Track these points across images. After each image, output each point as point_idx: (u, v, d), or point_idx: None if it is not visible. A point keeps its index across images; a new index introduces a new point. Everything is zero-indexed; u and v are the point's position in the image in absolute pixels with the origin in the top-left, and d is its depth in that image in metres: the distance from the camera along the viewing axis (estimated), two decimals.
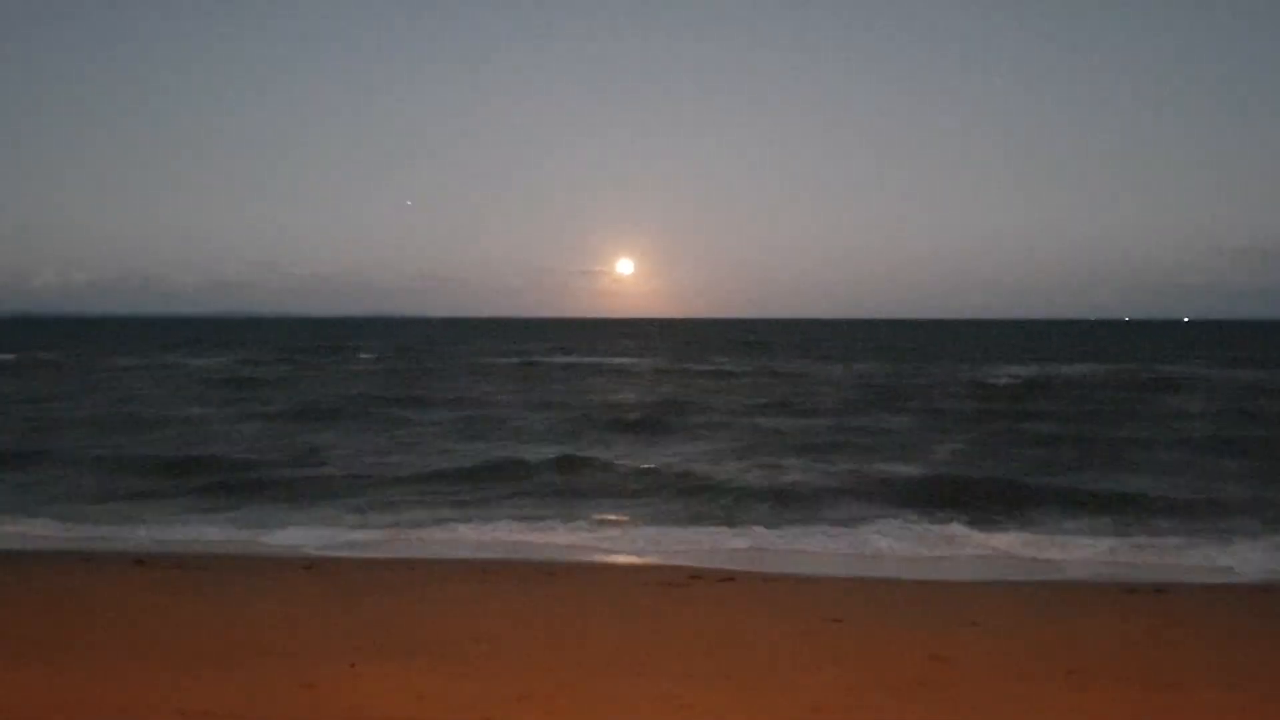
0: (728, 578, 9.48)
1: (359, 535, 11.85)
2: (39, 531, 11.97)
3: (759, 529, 12.15)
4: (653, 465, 17.12)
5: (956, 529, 11.87)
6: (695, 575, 9.58)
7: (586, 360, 53.08)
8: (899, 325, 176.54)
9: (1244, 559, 10.61)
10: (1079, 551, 11.00)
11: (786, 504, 13.82)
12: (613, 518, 13.10)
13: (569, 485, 15.43)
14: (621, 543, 11.76)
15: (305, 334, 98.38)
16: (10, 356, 49.81)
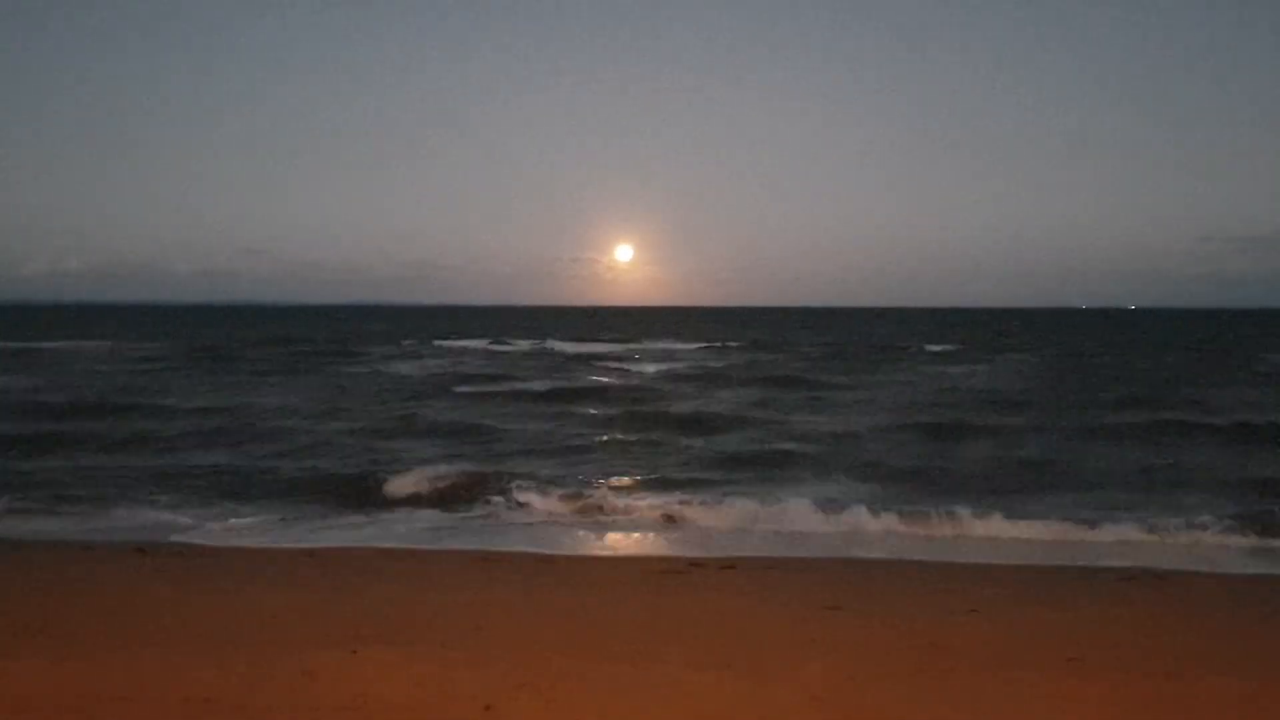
0: (727, 565, 9.50)
1: None
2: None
3: (760, 516, 12.17)
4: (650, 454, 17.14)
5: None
6: (695, 563, 9.60)
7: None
8: (896, 314, 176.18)
9: None
10: None
11: (784, 492, 13.84)
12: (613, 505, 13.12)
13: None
14: (621, 530, 11.79)
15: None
16: None
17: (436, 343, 56.53)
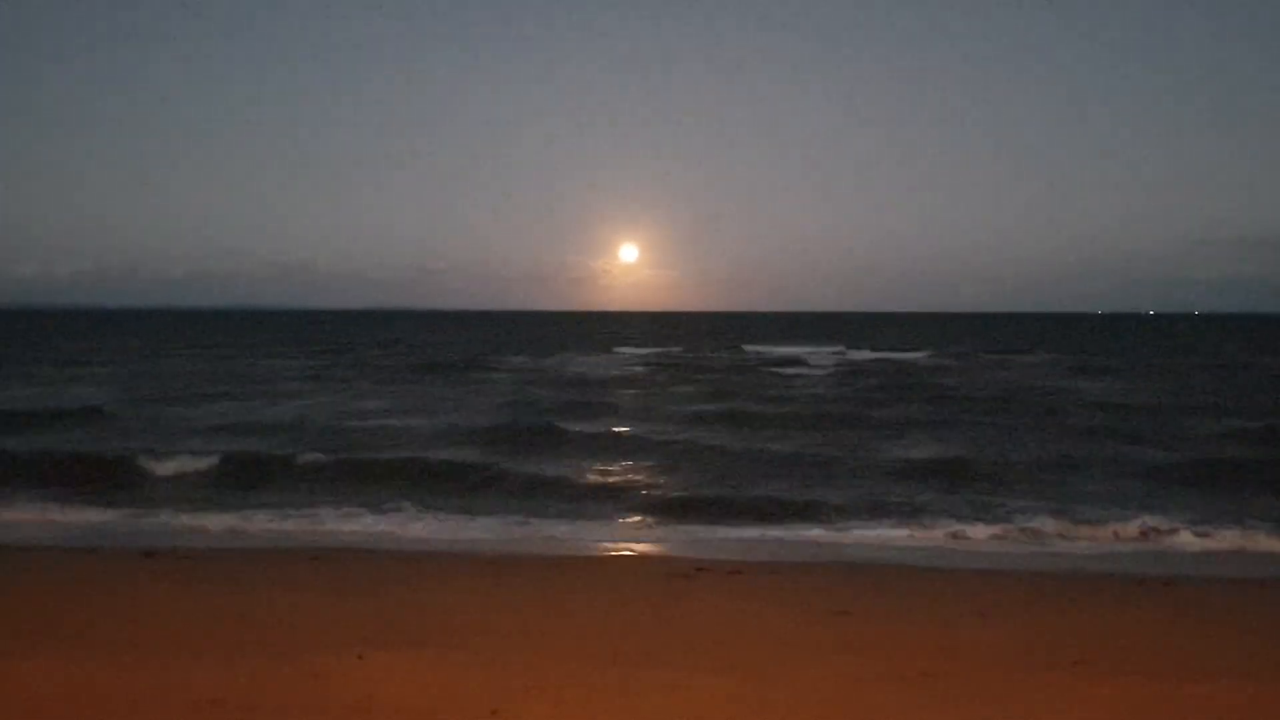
0: (735, 570, 9.48)
1: None
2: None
3: (765, 521, 12.16)
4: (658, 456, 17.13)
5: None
6: (702, 567, 9.59)
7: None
8: (911, 319, 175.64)
9: None
10: None
11: (789, 495, 13.82)
12: (623, 509, 13.12)
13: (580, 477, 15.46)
14: (630, 534, 11.78)
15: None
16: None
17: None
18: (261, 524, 12.18)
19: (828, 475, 15.51)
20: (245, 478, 15.11)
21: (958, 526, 11.81)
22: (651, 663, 5.99)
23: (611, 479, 15.35)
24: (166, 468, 15.49)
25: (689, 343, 68.30)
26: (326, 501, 13.42)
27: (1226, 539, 11.17)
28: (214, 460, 15.89)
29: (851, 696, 5.40)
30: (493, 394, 28.79)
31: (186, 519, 12.45)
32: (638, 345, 62.65)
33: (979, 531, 11.64)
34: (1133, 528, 11.56)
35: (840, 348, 57.59)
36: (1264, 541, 11.06)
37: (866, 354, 51.29)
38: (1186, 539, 11.19)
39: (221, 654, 6.04)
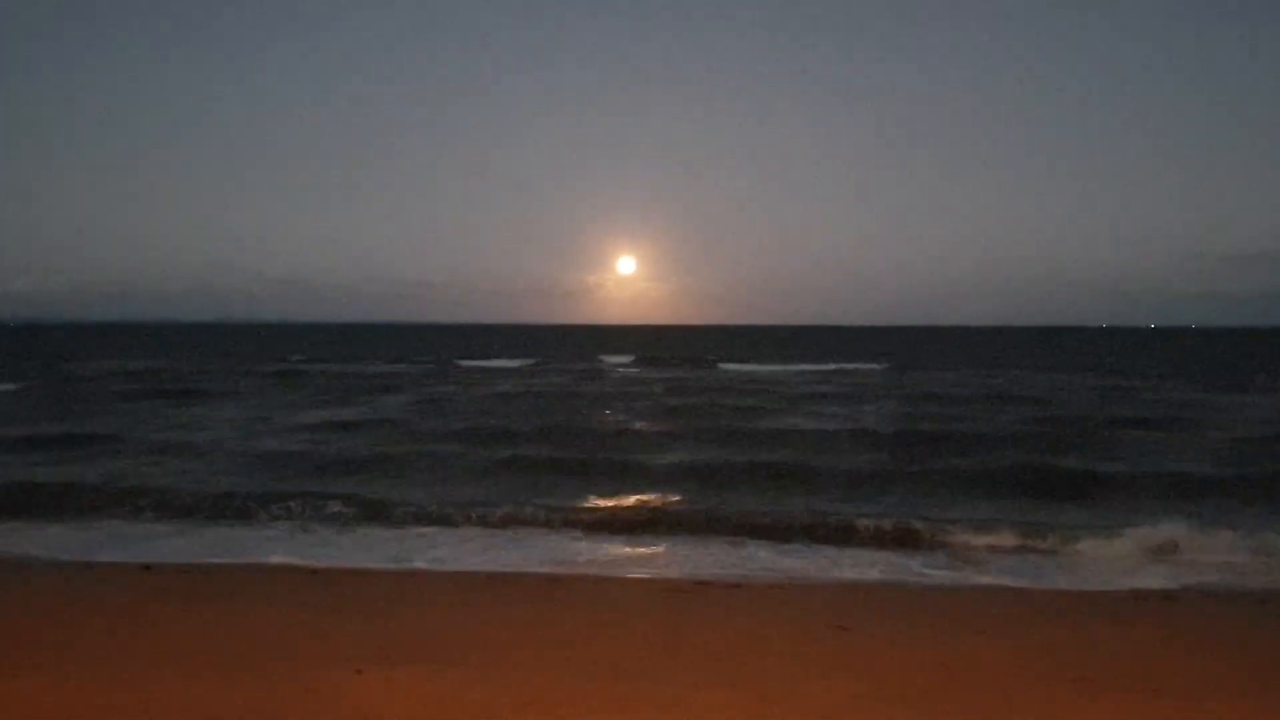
0: (734, 585, 9.46)
1: None
2: None
3: (766, 537, 12.14)
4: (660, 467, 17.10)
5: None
6: (701, 583, 9.57)
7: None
8: (904, 332, 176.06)
9: None
10: None
11: (791, 507, 13.79)
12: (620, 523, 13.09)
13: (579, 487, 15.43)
14: (628, 550, 11.75)
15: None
16: None
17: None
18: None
19: (817, 490, 15.49)
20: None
21: (955, 540, 11.80)
22: (650, 679, 5.98)
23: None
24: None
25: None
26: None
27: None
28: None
29: (851, 713, 5.39)
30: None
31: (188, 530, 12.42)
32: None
33: (976, 549, 11.62)
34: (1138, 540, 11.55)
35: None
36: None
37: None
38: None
39: (219, 669, 6.03)
